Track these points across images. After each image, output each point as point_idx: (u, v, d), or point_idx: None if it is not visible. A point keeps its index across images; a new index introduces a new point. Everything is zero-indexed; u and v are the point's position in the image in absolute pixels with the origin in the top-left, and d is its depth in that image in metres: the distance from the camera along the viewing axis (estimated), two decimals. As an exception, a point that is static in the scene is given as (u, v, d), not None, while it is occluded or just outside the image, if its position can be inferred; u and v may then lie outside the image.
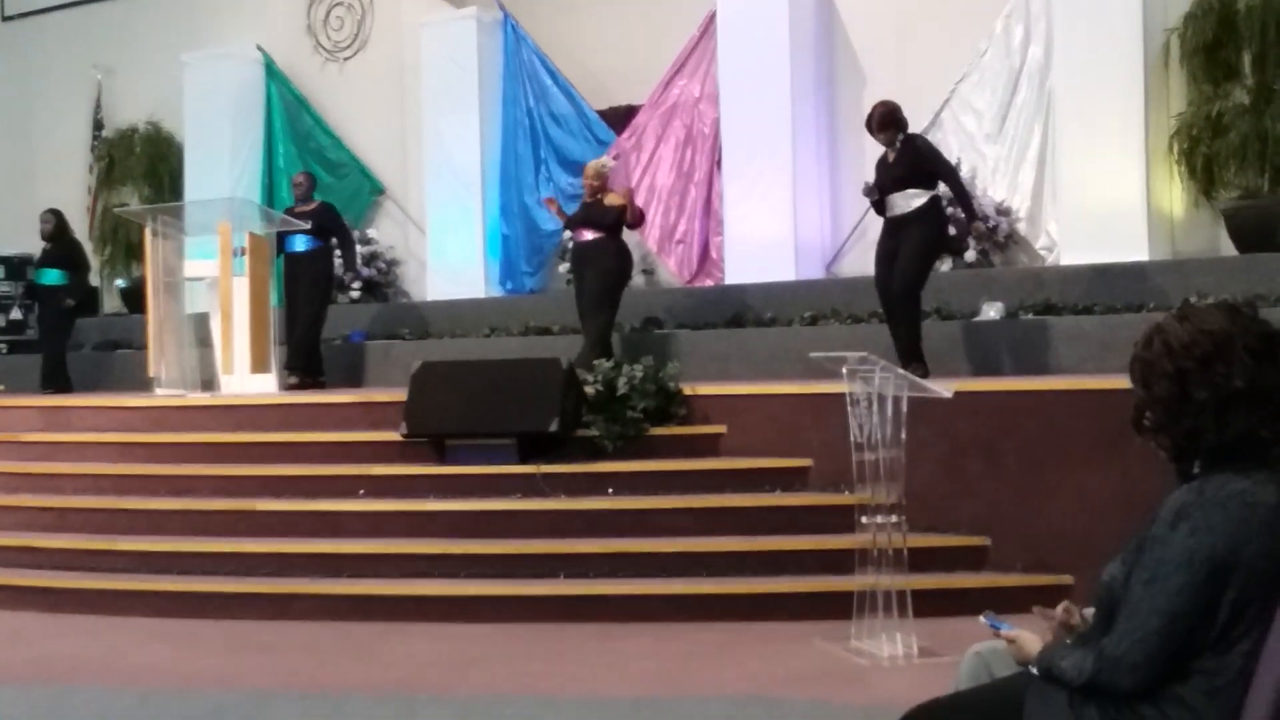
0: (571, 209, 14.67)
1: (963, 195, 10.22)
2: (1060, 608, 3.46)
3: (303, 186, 13.17)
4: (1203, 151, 11.57)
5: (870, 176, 10.32)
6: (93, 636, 8.35)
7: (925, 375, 9.06)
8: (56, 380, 13.56)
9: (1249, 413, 3.05)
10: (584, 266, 11.39)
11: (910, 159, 9.98)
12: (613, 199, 11.43)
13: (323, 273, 12.78)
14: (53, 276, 13.81)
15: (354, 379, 13.13)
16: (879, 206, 10.22)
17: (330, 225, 12.81)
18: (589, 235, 11.35)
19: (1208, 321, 3.13)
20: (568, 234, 14.34)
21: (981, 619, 3.46)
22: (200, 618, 8.64)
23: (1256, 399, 3.05)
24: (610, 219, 11.24)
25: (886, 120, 10.05)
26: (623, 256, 11.39)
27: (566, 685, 6.86)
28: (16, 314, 16.35)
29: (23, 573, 9.42)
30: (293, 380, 12.43)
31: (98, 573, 9.29)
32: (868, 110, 10.21)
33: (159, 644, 8.04)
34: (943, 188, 10.13)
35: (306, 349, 12.64)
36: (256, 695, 6.78)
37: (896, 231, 9.98)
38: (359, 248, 15.28)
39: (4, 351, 16.11)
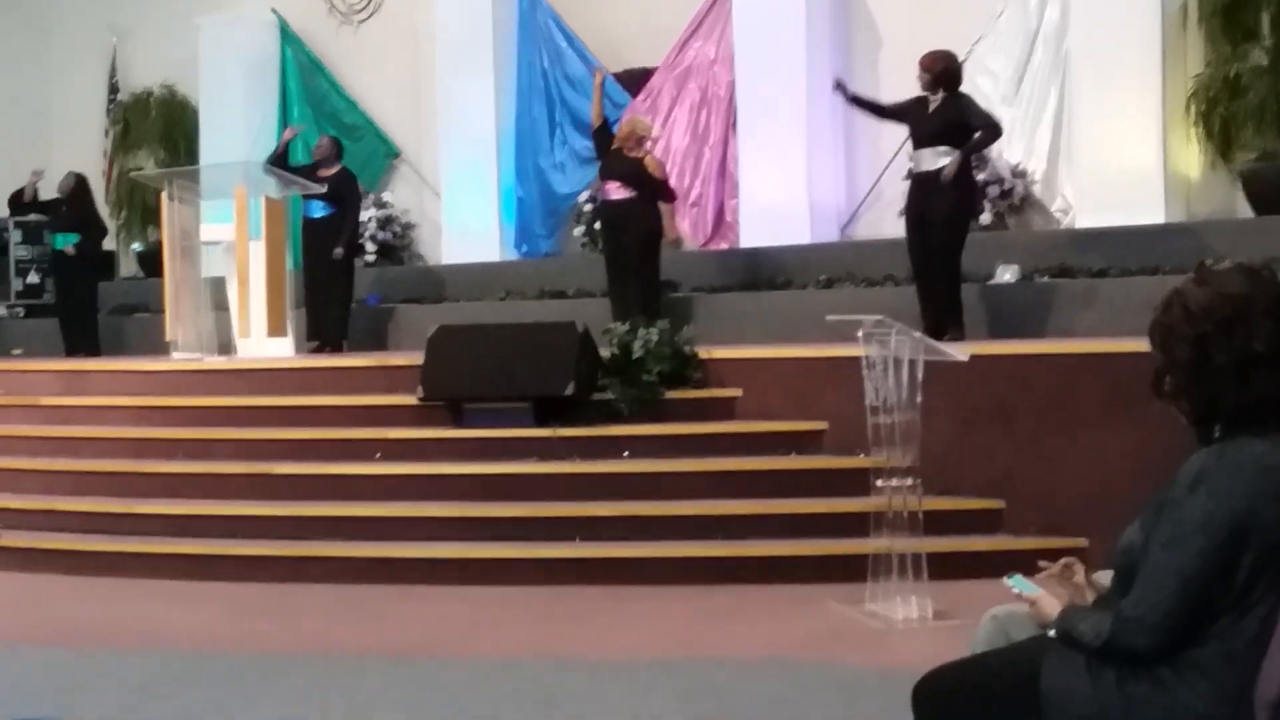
0: (584, 171, 14.71)
1: (979, 147, 10.11)
2: (1060, 563, 3.48)
3: (324, 149, 13.12)
4: (1220, 113, 11.50)
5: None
6: (111, 599, 8.40)
7: (961, 339, 9.05)
8: (84, 345, 13.57)
9: (1269, 376, 3.05)
10: (618, 229, 11.21)
11: (951, 116, 9.83)
12: (650, 165, 11.30)
13: (344, 241, 12.75)
14: (68, 239, 13.81)
15: (370, 343, 13.14)
16: (847, 96, 10.16)
17: (343, 192, 12.76)
18: (620, 193, 11.20)
19: (1227, 285, 3.12)
20: (584, 195, 14.35)
21: (1006, 581, 3.46)
22: (217, 580, 8.68)
23: (1277, 362, 3.05)
24: (645, 181, 11.11)
25: (930, 64, 9.88)
26: (657, 217, 11.31)
27: (582, 647, 6.89)
28: (34, 278, 16.37)
29: (42, 535, 9.48)
30: (313, 345, 12.44)
31: (116, 536, 9.34)
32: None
33: (177, 606, 8.09)
34: None
35: (336, 318, 12.62)
36: (273, 658, 6.82)
37: (925, 192, 9.87)
38: (373, 211, 15.27)
39: (21, 315, 16.15)
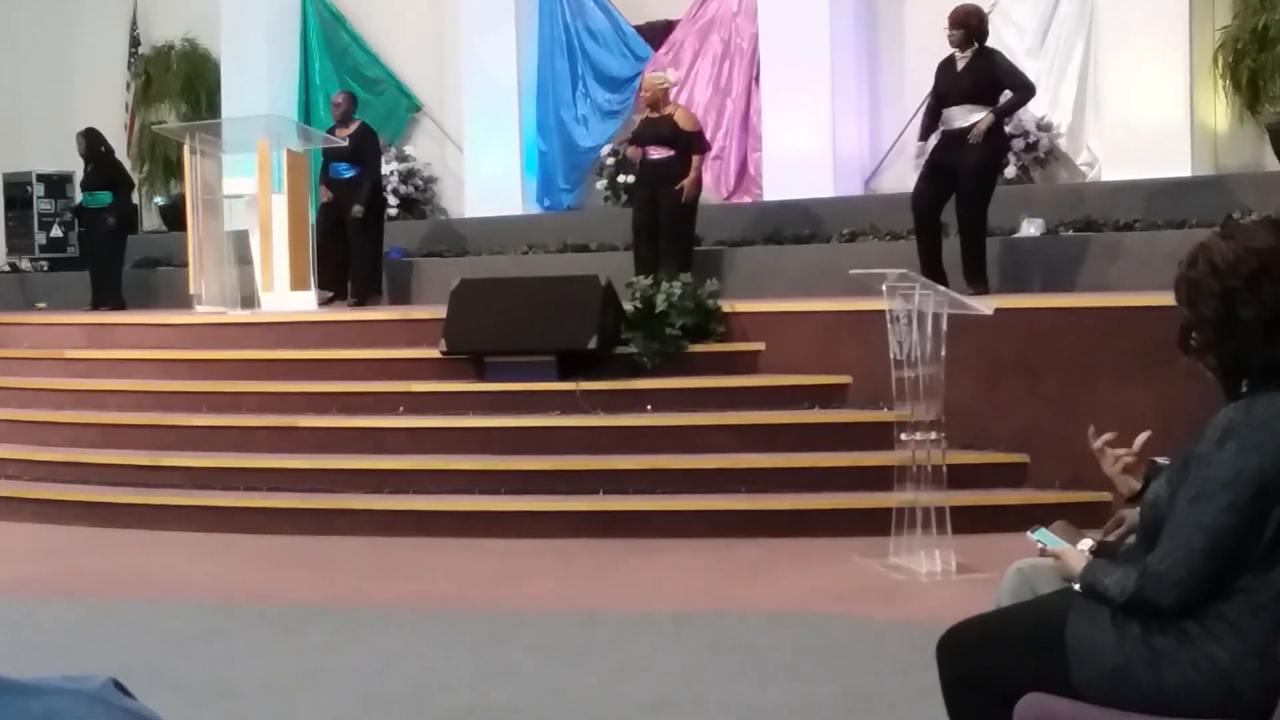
0: (607, 125, 14.68)
1: (1012, 109, 10.04)
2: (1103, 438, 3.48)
3: (341, 107, 13.09)
4: (1248, 65, 11.40)
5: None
6: (138, 551, 8.46)
7: (985, 293, 9.01)
8: (111, 298, 13.62)
9: (1297, 331, 3.03)
10: (658, 186, 11.07)
11: (982, 73, 9.71)
12: (683, 118, 11.23)
13: (365, 199, 12.71)
14: (101, 199, 13.84)
15: (393, 296, 13.14)
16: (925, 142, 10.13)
17: (362, 150, 12.73)
18: (659, 153, 11.14)
19: (1254, 239, 3.10)
20: (606, 149, 14.31)
21: (1030, 535, 3.47)
22: (243, 533, 8.74)
23: (1305, 317, 3.03)
24: (681, 140, 11.03)
25: (959, 18, 9.74)
26: (698, 175, 11.23)
27: (607, 600, 6.93)
28: (58, 232, 16.41)
29: (70, 488, 9.55)
30: (353, 301, 12.44)
31: (143, 488, 9.40)
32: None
33: (203, 559, 8.15)
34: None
35: (368, 273, 12.62)
36: (300, 609, 6.87)
37: (952, 148, 9.77)
38: (395, 165, 15.25)
39: (46, 269, 16.19)
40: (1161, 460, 3.30)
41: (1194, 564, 3.00)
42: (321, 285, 12.48)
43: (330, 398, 9.94)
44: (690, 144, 11.04)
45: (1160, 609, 3.04)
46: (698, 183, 11.11)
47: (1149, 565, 3.05)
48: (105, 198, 13.79)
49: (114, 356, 11.26)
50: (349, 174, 12.70)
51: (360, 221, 12.48)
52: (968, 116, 9.68)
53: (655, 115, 11.17)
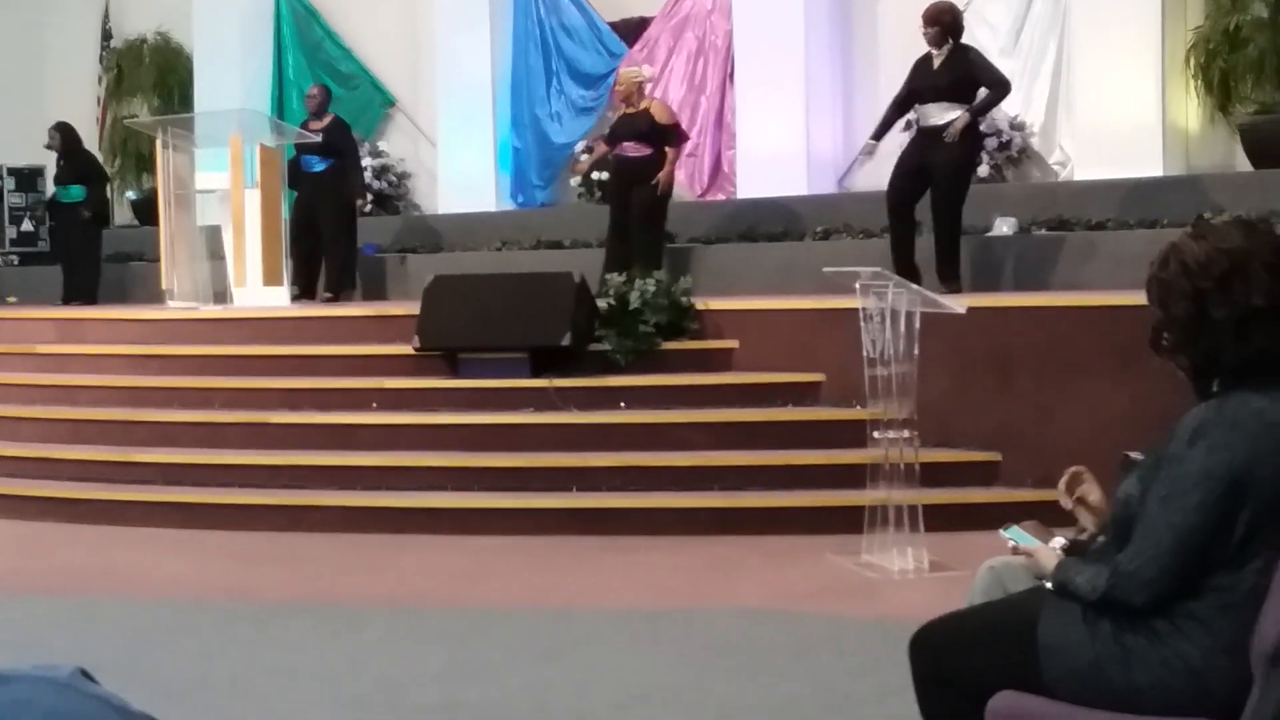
0: (581, 121, 14.67)
1: (987, 107, 10.05)
2: (1069, 473, 3.49)
3: (316, 99, 13.04)
4: (1219, 65, 11.46)
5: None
6: (109, 547, 8.43)
7: (958, 292, 9.04)
8: (84, 293, 13.55)
9: (1268, 330, 3.04)
10: (631, 183, 11.05)
11: (958, 71, 9.72)
12: (659, 111, 11.21)
13: (360, 191, 12.75)
14: (74, 193, 13.77)
15: (366, 292, 13.11)
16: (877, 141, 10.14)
17: (339, 143, 12.71)
18: (636, 150, 11.11)
19: (1225, 239, 3.11)
20: (580, 145, 14.30)
21: (1002, 533, 3.48)
22: (215, 529, 8.71)
23: (1276, 316, 3.04)
24: (657, 134, 11.01)
25: (933, 16, 9.73)
26: (671, 170, 11.23)
27: (579, 597, 6.93)
28: (28, 226, 16.32)
29: (40, 483, 9.51)
30: (328, 295, 12.41)
31: (114, 484, 9.36)
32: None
33: (175, 555, 8.12)
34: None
35: (342, 267, 12.59)
36: (271, 606, 6.86)
37: (928, 145, 9.79)
38: (369, 160, 15.21)
39: (15, 263, 16.11)
40: (1135, 455, 3.32)
41: (1165, 563, 3.02)
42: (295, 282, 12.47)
43: (303, 393, 9.91)
44: (667, 137, 11.04)
45: (1131, 607, 3.06)
46: (672, 175, 11.09)
47: (1120, 564, 3.07)
48: (78, 192, 13.73)
49: (85, 351, 11.21)
50: (320, 167, 12.66)
51: (336, 215, 12.46)
52: (944, 114, 9.70)
53: (632, 111, 11.16)
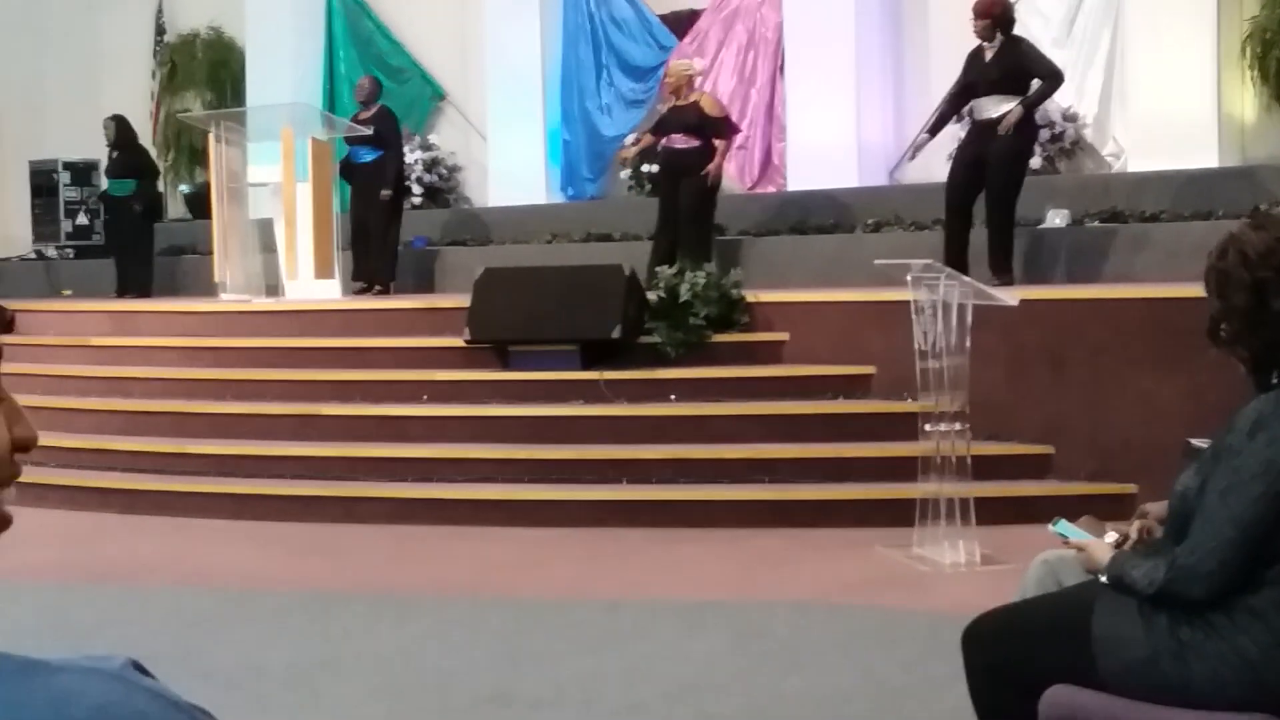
0: (631, 114, 14.67)
1: (1041, 98, 9.97)
2: (1134, 526, 3.45)
3: (364, 90, 13.05)
4: (1276, 56, 11.34)
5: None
6: (163, 538, 8.50)
7: (1011, 284, 8.98)
8: (138, 286, 13.67)
9: (1328, 322, 3.01)
10: (679, 175, 11.00)
11: (1011, 63, 9.67)
12: (709, 105, 11.18)
13: (391, 182, 12.68)
14: (126, 186, 13.89)
15: (417, 285, 13.16)
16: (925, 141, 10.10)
17: (384, 132, 12.72)
18: (685, 143, 11.10)
19: (1284, 230, 3.09)
20: (630, 138, 14.29)
21: (1051, 528, 3.46)
22: (268, 520, 8.76)
23: (1335, 308, 3.01)
24: (707, 127, 10.98)
25: (984, 8, 9.68)
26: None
27: (629, 588, 6.93)
28: (83, 219, 16.48)
29: (95, 474, 9.59)
30: (359, 286, 12.45)
31: (168, 475, 9.44)
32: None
33: (228, 546, 8.18)
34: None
35: (385, 261, 12.59)
36: (324, 596, 6.90)
37: (984, 137, 9.74)
38: (419, 154, 15.26)
39: (71, 256, 16.26)
40: (1198, 442, 3.29)
41: (1224, 556, 2.99)
42: (355, 277, 12.51)
43: (354, 386, 9.95)
44: (718, 129, 11.00)
45: (1189, 601, 3.03)
46: (721, 166, 11.05)
47: (1178, 557, 3.04)
48: (130, 185, 13.86)
49: (139, 344, 11.30)
50: (369, 158, 12.70)
51: (381, 205, 12.47)
52: (998, 107, 9.65)
53: (681, 103, 11.12)
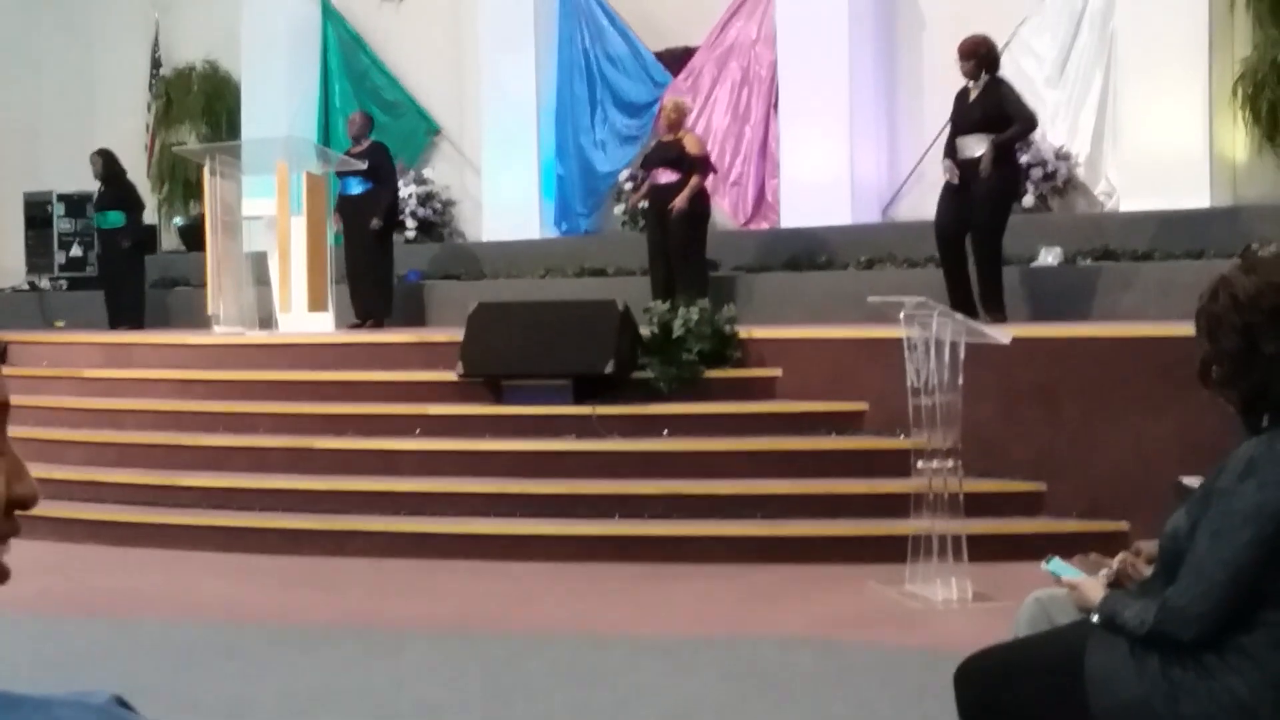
0: (625, 150, 14.71)
1: (1011, 140, 9.98)
2: (1118, 559, 3.46)
3: (356, 124, 13.12)
4: (1267, 97, 11.41)
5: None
6: (155, 570, 8.48)
7: (1003, 321, 9.00)
8: (129, 318, 13.68)
9: (1319, 365, 3.02)
10: (664, 209, 11.10)
11: (993, 103, 9.77)
12: (690, 143, 11.28)
13: (382, 214, 12.69)
14: (113, 219, 13.91)
15: (410, 319, 13.17)
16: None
17: (377, 166, 12.75)
18: (667, 178, 11.18)
19: (1275, 273, 3.09)
20: (624, 174, 14.35)
21: (1043, 566, 3.46)
22: (259, 553, 8.75)
23: (1327, 351, 3.02)
24: (688, 163, 11.07)
25: (969, 49, 9.80)
26: (704, 198, 11.30)
27: (620, 623, 6.92)
28: (77, 251, 16.48)
29: (86, 506, 9.56)
30: (354, 321, 12.46)
31: (159, 508, 9.42)
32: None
33: (219, 578, 8.16)
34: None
35: (378, 294, 12.62)
36: (314, 629, 6.88)
37: (967, 176, 9.80)
38: (413, 188, 15.29)
39: (64, 288, 16.26)
40: (1189, 481, 3.30)
41: (1215, 598, 2.99)
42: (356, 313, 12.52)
43: (346, 419, 9.95)
44: (694, 167, 11.09)
45: (1180, 643, 3.03)
46: (691, 200, 11.05)
47: (1169, 599, 3.04)
48: (117, 218, 13.86)
49: (131, 376, 11.29)
50: (359, 189, 12.74)
51: (372, 238, 12.50)
52: (979, 146, 9.74)
53: (668, 139, 11.24)
